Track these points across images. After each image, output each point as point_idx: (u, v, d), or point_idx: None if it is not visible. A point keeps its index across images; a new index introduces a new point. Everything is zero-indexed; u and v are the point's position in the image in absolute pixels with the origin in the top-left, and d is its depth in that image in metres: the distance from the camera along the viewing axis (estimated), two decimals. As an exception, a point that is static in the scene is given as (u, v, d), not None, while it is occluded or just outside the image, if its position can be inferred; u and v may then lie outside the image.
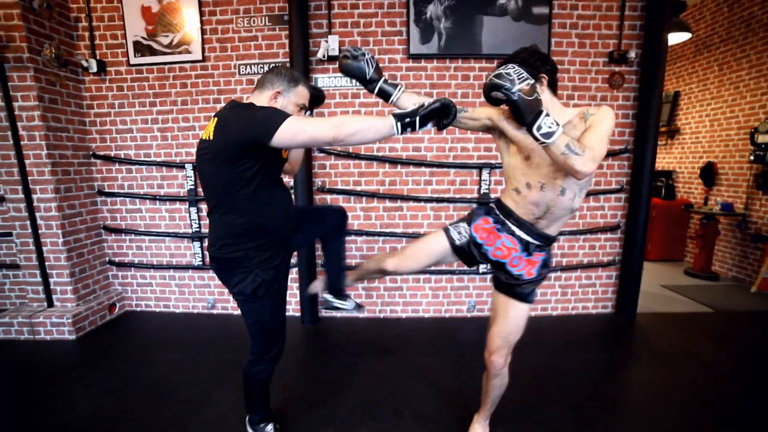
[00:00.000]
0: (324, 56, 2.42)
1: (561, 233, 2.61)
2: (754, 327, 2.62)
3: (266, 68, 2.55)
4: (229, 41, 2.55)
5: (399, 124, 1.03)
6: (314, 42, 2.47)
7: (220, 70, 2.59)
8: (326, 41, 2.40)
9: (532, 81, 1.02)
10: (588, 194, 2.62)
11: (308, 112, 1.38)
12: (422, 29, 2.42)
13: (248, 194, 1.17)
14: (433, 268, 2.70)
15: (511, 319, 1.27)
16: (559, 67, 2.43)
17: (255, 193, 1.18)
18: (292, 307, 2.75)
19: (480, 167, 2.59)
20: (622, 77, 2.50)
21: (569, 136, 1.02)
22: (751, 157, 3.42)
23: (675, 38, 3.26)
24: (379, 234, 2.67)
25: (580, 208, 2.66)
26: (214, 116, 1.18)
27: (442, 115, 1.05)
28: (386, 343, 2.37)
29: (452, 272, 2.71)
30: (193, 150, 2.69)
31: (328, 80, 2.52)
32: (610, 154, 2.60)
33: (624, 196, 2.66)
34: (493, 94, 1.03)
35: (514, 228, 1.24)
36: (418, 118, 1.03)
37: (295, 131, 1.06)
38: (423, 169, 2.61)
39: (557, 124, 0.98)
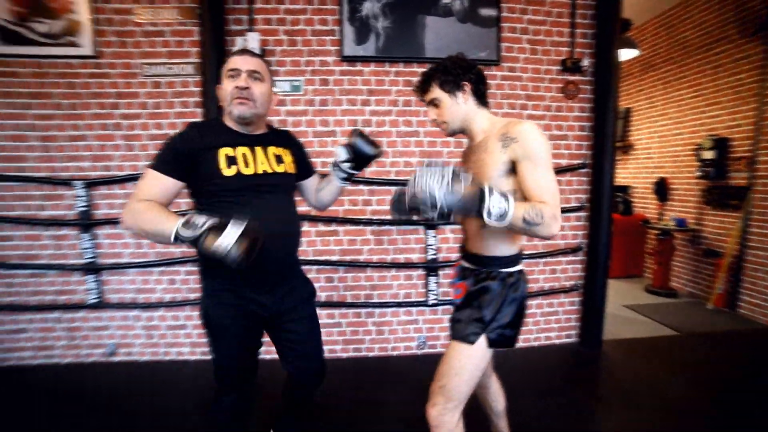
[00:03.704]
0: (242, 55, 2.06)
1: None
2: (718, 351, 2.46)
3: (175, 69, 2.17)
4: (129, 35, 2.13)
5: (178, 238, 0.90)
6: (232, 41, 2.11)
7: (119, 69, 2.15)
8: (245, 39, 2.05)
9: (453, 175, 0.88)
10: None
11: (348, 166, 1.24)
12: (358, 28, 2.13)
13: (195, 204, 1.10)
14: (376, 299, 2.35)
15: (445, 358, 1.08)
16: (511, 74, 2.29)
17: (200, 203, 1.09)
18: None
19: (428, 184, 2.30)
20: (576, 87, 2.33)
21: (520, 206, 0.91)
22: (698, 173, 3.42)
23: (624, 55, 3.23)
24: (312, 263, 2.28)
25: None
26: None
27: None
28: (323, 390, 1.95)
29: (399, 305, 2.36)
30: (86, 164, 2.22)
31: (250, 83, 2.16)
32: (568, 170, 2.40)
33: (584, 215, 2.46)
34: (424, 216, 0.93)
35: (461, 257, 1.22)
36: (193, 240, 0.89)
37: (140, 180, 1.05)
38: (361, 187, 2.27)
39: (505, 198, 0.89)
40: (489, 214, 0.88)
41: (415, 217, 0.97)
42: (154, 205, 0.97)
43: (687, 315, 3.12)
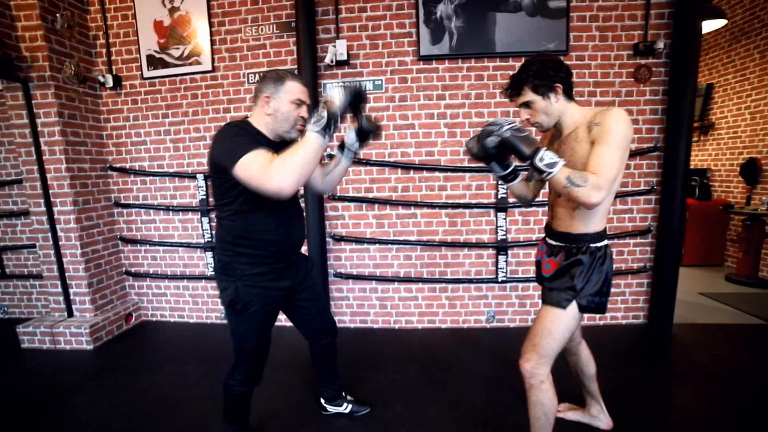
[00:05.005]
0: (332, 61, 2.37)
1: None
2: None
3: (275, 76, 2.54)
4: (237, 50, 2.55)
5: (326, 135, 1.04)
6: (322, 48, 2.43)
7: (230, 79, 2.59)
8: (334, 46, 2.35)
9: (517, 124, 1.09)
10: (614, 196, 2.45)
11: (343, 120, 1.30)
12: (432, 29, 2.34)
13: (236, 208, 1.21)
14: (449, 276, 2.59)
15: (537, 321, 1.22)
16: (579, 62, 2.35)
17: (243, 207, 1.20)
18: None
19: (496, 170, 2.46)
20: (648, 70, 2.32)
21: (569, 168, 1.04)
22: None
23: (708, 26, 3.02)
24: (392, 242, 2.58)
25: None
26: None
27: (357, 101, 1.13)
28: (401, 356, 2.27)
29: (470, 281, 2.57)
30: (205, 160, 2.71)
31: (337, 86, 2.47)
32: (638, 153, 2.41)
33: (654, 198, 2.46)
34: (488, 140, 1.11)
35: (547, 236, 1.33)
36: (337, 117, 1.06)
37: (247, 172, 1.04)
38: (437, 174, 2.50)
39: (558, 157, 1.03)
40: (542, 159, 1.02)
41: (489, 140, 1.11)
42: (284, 156, 1.04)
43: (778, 305, 2.94)
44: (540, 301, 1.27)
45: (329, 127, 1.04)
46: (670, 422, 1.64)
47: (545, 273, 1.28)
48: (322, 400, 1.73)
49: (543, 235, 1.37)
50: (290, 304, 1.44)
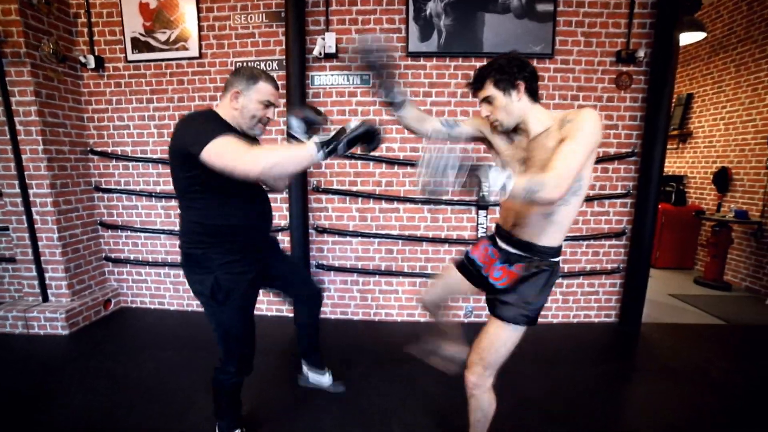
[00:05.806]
0: (320, 54, 2.37)
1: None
2: None
3: (262, 65, 2.53)
4: (226, 38, 2.51)
5: (321, 151, 1.02)
6: (311, 39, 2.43)
7: (217, 66, 2.56)
8: (323, 38, 2.35)
9: (458, 168, 0.91)
10: (592, 199, 2.54)
11: (307, 130, 1.34)
12: (422, 27, 2.35)
13: (202, 198, 1.20)
14: (430, 270, 2.64)
15: (487, 335, 1.16)
16: (564, 66, 2.41)
17: (210, 197, 1.20)
18: (281, 307, 2.72)
19: (479, 169, 2.51)
20: (629, 77, 2.40)
21: (522, 178, 0.94)
22: (770, 163, 3.28)
23: (688, 38, 3.13)
24: (375, 236, 2.61)
25: (584, 212, 2.56)
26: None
27: (367, 140, 1.06)
28: (379, 348, 2.31)
29: (449, 276, 2.63)
30: (190, 147, 2.68)
31: (324, 78, 2.47)
32: (616, 158, 2.50)
33: (630, 201, 2.55)
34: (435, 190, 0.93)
35: (497, 239, 1.29)
36: (341, 144, 1.03)
37: (217, 153, 1.04)
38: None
39: (507, 176, 0.92)
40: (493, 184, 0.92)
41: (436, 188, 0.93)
42: (272, 146, 1.12)
43: (740, 308, 3.08)
44: None
45: (329, 144, 1.02)
46: (629, 412, 1.74)
47: (495, 281, 1.20)
48: (305, 368, 1.77)
49: None
50: (267, 280, 1.46)
